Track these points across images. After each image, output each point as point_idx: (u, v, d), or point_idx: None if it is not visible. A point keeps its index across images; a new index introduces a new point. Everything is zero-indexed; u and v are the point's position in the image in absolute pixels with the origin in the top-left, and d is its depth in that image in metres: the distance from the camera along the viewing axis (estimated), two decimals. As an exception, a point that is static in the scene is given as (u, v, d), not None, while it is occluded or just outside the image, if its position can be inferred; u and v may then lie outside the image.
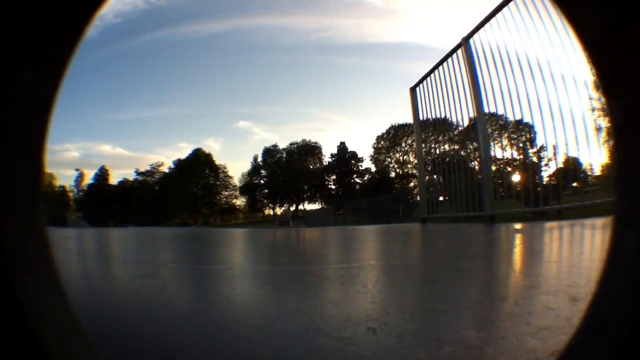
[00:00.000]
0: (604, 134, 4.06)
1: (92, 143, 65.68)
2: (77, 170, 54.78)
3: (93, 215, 41.94)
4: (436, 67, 5.55)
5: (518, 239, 2.61)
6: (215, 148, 61.87)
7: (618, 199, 0.40)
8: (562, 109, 4.08)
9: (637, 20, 0.34)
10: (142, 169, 53.47)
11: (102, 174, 53.49)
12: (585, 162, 4.84)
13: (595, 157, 4.36)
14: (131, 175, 54.61)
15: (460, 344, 0.65)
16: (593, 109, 4.07)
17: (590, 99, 4.05)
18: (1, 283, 0.35)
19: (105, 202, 49.47)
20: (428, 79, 5.82)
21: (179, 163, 52.30)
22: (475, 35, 4.78)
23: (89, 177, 53.14)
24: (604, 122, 4.08)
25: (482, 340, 0.66)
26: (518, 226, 3.70)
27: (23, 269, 0.37)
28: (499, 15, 4.38)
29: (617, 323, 0.36)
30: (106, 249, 2.97)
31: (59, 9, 0.37)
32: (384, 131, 46.73)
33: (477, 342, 0.65)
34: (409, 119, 7.59)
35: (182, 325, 0.85)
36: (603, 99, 0.40)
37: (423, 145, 6.45)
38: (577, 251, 1.98)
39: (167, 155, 78.86)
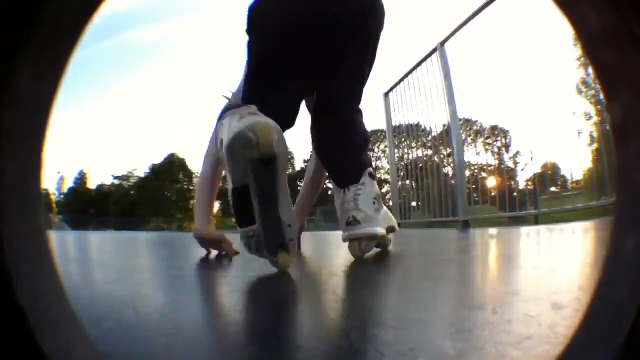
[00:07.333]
0: (586, 138, 4.12)
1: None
2: (58, 173, 55.00)
3: (73, 219, 41.74)
4: (410, 72, 5.56)
5: (492, 244, 2.61)
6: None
7: (618, 199, 0.38)
8: (541, 114, 4.14)
9: (637, 19, 0.33)
10: (119, 173, 53.83)
11: (81, 178, 53.99)
12: (564, 167, 4.92)
13: (576, 161, 4.44)
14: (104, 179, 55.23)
15: (435, 355, 0.61)
16: (574, 113, 4.13)
17: (570, 102, 4.11)
18: (1, 283, 0.35)
19: (85, 205, 49.64)
20: (402, 84, 5.84)
21: (153, 168, 52.26)
22: (451, 40, 4.81)
23: (69, 181, 54.00)
24: (586, 126, 4.15)
25: (459, 350, 0.62)
26: (493, 231, 3.71)
27: (23, 269, 0.36)
28: (476, 19, 4.41)
29: (617, 324, 0.35)
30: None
31: (58, 8, 0.36)
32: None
33: (453, 353, 0.61)
34: (382, 125, 7.67)
35: (152, 332, 0.80)
36: (603, 99, 0.39)
37: (396, 150, 6.48)
38: (557, 256, 1.97)
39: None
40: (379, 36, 2.01)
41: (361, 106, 2.08)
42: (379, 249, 2.05)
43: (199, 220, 2.07)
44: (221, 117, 1.52)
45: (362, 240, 1.81)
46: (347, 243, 1.88)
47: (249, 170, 1.32)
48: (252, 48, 1.83)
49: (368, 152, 2.08)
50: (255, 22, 1.80)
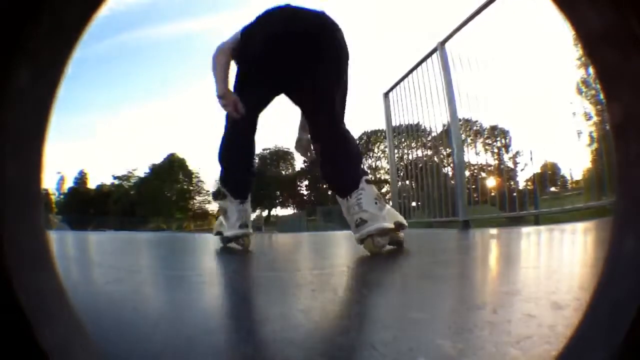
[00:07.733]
0: (586, 138, 4.10)
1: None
2: (58, 173, 54.72)
3: (73, 219, 41.58)
4: (410, 72, 5.54)
5: (492, 245, 2.60)
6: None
7: (618, 199, 0.38)
8: (541, 114, 4.12)
9: (637, 19, 0.33)
10: (119, 173, 53.64)
11: (81, 178, 53.89)
12: (564, 167, 4.88)
13: (576, 161, 4.41)
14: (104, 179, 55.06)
15: (435, 355, 0.61)
16: (574, 113, 4.12)
17: (571, 102, 4.10)
18: (1, 283, 0.35)
19: (85, 205, 49.48)
20: (402, 84, 5.81)
21: (153, 168, 52.14)
22: (452, 40, 4.79)
23: (69, 181, 53.87)
24: (586, 126, 4.14)
25: (459, 350, 0.61)
26: (493, 231, 3.70)
27: (23, 269, 0.37)
28: (476, 19, 4.40)
29: (616, 323, 0.35)
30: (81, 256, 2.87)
31: (58, 8, 0.36)
32: (357, 137, 46.57)
33: (454, 353, 0.61)
34: (382, 125, 7.68)
35: (151, 331, 0.80)
36: (603, 99, 0.38)
37: (396, 150, 6.46)
38: (557, 256, 1.97)
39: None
40: (346, 66, 2.33)
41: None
42: (393, 247, 2.17)
43: (220, 85, 2.47)
44: (223, 182, 2.63)
45: (374, 236, 2.00)
46: (356, 243, 2.10)
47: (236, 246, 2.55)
48: (239, 69, 2.53)
49: (363, 165, 2.40)
50: (240, 52, 2.47)
